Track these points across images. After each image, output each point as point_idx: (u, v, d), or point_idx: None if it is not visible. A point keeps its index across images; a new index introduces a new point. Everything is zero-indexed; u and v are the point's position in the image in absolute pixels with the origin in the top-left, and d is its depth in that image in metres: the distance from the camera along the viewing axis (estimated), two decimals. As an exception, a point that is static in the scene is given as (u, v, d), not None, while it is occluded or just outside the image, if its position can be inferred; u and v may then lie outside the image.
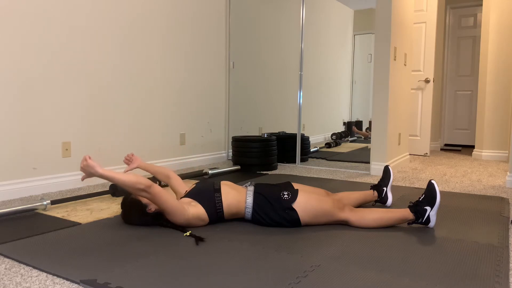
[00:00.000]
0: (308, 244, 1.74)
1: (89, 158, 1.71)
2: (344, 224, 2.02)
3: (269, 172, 3.72)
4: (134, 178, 1.76)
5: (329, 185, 3.08)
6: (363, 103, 4.66)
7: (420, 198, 1.97)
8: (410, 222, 1.97)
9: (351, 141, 4.82)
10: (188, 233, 1.82)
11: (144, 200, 1.96)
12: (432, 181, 1.94)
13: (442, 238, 1.84)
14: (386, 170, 2.38)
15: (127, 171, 2.20)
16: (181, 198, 2.00)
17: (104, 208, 2.37)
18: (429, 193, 1.93)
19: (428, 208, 1.92)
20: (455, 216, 2.23)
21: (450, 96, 6.21)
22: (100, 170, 1.71)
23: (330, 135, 4.79)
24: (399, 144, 4.08)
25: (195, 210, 1.91)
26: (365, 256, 1.60)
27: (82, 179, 1.79)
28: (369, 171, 3.76)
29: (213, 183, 2.04)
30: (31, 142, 2.71)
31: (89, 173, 1.73)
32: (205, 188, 1.99)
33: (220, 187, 1.99)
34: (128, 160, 2.34)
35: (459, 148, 5.96)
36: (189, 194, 1.99)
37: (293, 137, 4.29)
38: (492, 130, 4.75)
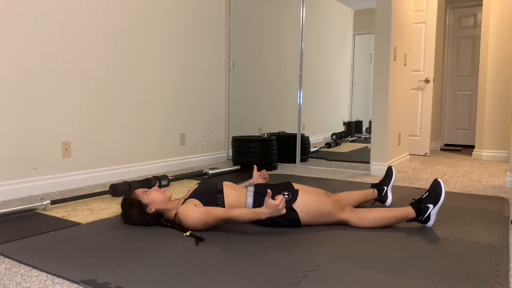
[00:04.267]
0: (308, 244, 1.74)
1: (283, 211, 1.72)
2: (344, 224, 2.02)
3: (269, 172, 3.72)
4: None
5: (329, 185, 3.08)
6: (363, 103, 4.66)
7: (423, 195, 1.97)
8: (410, 220, 1.97)
9: (351, 141, 4.82)
10: (188, 233, 1.82)
11: (144, 200, 1.96)
12: (438, 180, 1.95)
13: (442, 238, 1.84)
14: (389, 170, 2.39)
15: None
16: (185, 199, 1.99)
17: (104, 208, 2.37)
18: (434, 191, 1.93)
19: (430, 205, 1.93)
20: (455, 216, 2.23)
21: (450, 96, 6.21)
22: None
23: (330, 135, 4.79)
24: (399, 144, 4.08)
25: None
26: (365, 256, 1.60)
27: (269, 198, 1.73)
28: (369, 171, 3.76)
29: (215, 183, 2.03)
30: (31, 142, 2.71)
31: (271, 213, 1.72)
32: (207, 188, 1.99)
33: (222, 188, 1.99)
34: (264, 177, 2.30)
35: (459, 148, 5.96)
36: (192, 194, 1.99)
37: (293, 137, 4.29)
38: (492, 130, 4.75)
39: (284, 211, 1.71)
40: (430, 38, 5.03)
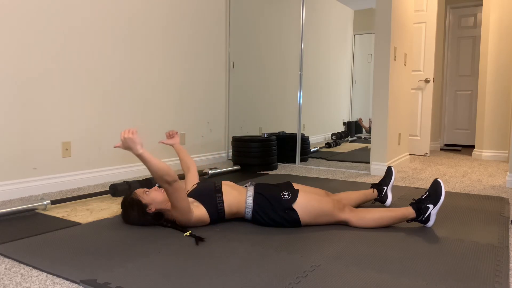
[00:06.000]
0: (308, 244, 1.74)
1: (135, 132, 1.71)
2: (344, 224, 2.02)
3: (269, 172, 3.72)
4: (166, 168, 1.75)
5: (329, 185, 3.08)
6: (363, 103, 4.66)
7: (423, 196, 1.97)
8: (410, 220, 1.97)
9: (351, 141, 4.83)
10: (188, 233, 1.82)
11: (144, 200, 1.96)
12: (438, 180, 1.95)
13: (442, 238, 1.84)
14: (389, 170, 2.39)
15: (162, 143, 2.39)
16: None
17: (104, 208, 2.37)
18: (434, 191, 1.93)
19: (430, 206, 1.93)
20: (455, 216, 2.23)
21: (450, 96, 6.21)
22: (140, 149, 1.71)
23: (330, 135, 4.79)
24: (399, 144, 4.08)
25: (197, 211, 1.92)
26: (365, 256, 1.60)
27: (116, 147, 1.78)
28: (369, 171, 3.76)
29: (214, 183, 2.04)
30: (31, 142, 2.71)
31: (127, 146, 1.72)
32: (206, 188, 1.99)
33: (221, 187, 1.99)
34: (169, 136, 2.45)
35: (459, 148, 5.96)
36: (191, 194, 1.99)
37: (293, 137, 4.29)
38: (492, 130, 4.75)
39: (132, 133, 1.70)
40: (430, 38, 5.03)
